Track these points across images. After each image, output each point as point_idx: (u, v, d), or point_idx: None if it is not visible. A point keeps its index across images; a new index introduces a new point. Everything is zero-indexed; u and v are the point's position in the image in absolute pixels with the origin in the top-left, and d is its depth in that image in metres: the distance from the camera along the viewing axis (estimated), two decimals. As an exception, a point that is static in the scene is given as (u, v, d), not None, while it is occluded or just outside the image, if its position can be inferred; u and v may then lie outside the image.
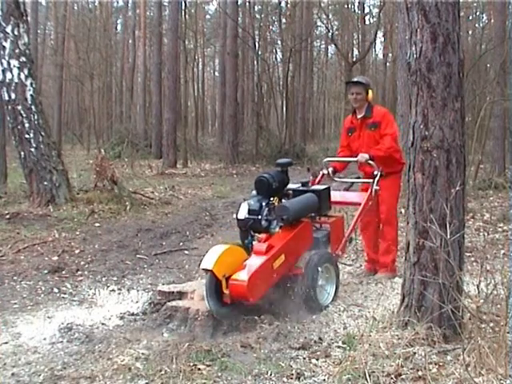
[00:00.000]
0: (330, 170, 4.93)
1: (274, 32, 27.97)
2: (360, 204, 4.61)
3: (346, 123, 5.11)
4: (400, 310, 3.39)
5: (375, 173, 4.61)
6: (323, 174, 4.90)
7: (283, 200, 4.20)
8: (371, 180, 4.64)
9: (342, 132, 5.18)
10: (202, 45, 34.70)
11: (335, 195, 4.66)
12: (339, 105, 32.76)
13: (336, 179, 4.99)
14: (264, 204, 4.02)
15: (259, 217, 3.96)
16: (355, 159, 4.78)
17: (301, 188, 4.38)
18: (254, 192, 4.14)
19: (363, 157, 4.67)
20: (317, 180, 4.81)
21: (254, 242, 3.99)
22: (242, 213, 4.04)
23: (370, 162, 4.64)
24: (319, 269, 3.93)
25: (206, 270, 3.60)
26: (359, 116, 4.90)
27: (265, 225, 3.98)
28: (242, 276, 3.57)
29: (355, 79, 5.07)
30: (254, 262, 3.71)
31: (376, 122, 4.80)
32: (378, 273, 4.92)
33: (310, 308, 3.84)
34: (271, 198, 4.09)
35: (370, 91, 4.85)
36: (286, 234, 3.97)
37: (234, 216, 4.13)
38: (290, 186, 4.35)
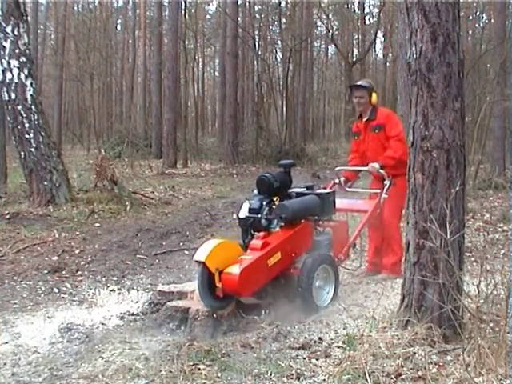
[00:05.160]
0: (342, 179, 4.96)
1: (274, 32, 27.99)
2: (367, 211, 4.63)
3: (353, 128, 5.14)
4: (400, 310, 3.39)
5: (385, 182, 4.61)
6: (335, 183, 4.91)
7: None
8: (380, 190, 4.65)
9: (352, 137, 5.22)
10: (202, 45, 34.73)
11: (343, 202, 4.68)
12: (339, 105, 32.82)
13: (347, 189, 5.02)
14: (265, 203, 4.03)
15: (259, 215, 3.97)
16: (366, 169, 4.79)
17: (305, 191, 4.37)
18: (256, 191, 4.15)
19: (374, 167, 4.66)
20: (328, 187, 4.82)
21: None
22: (243, 212, 4.06)
23: (381, 171, 4.63)
24: (315, 271, 3.91)
25: (199, 262, 3.61)
26: (364, 119, 4.90)
27: (265, 224, 3.98)
28: (235, 270, 3.58)
29: (358, 83, 5.04)
30: (248, 257, 3.72)
31: (380, 125, 4.79)
32: (380, 274, 4.91)
33: (307, 310, 3.83)
34: (272, 198, 4.09)
35: (374, 94, 4.82)
36: (285, 233, 3.97)
37: (235, 216, 4.13)
38: (295, 189, 4.36)
